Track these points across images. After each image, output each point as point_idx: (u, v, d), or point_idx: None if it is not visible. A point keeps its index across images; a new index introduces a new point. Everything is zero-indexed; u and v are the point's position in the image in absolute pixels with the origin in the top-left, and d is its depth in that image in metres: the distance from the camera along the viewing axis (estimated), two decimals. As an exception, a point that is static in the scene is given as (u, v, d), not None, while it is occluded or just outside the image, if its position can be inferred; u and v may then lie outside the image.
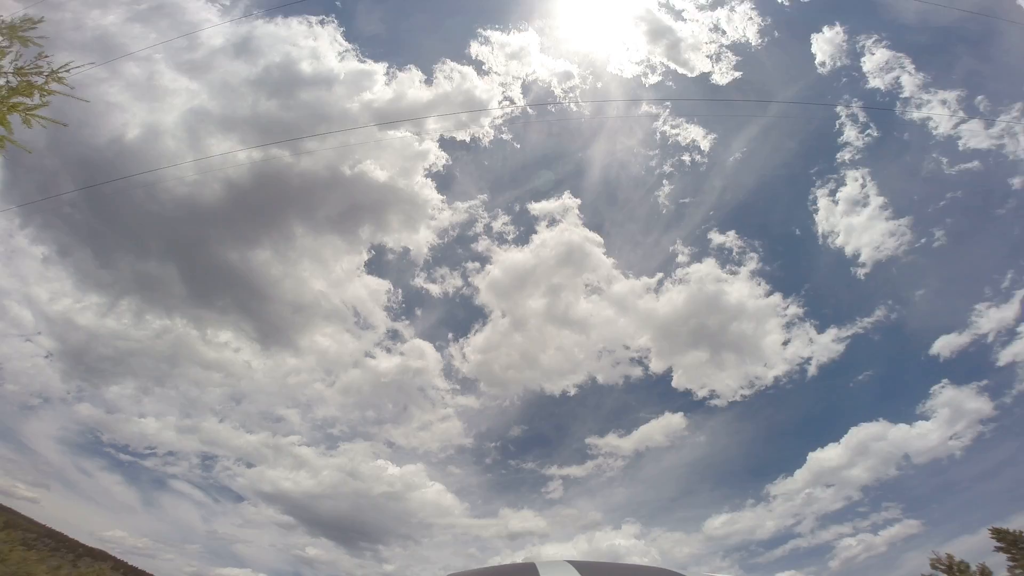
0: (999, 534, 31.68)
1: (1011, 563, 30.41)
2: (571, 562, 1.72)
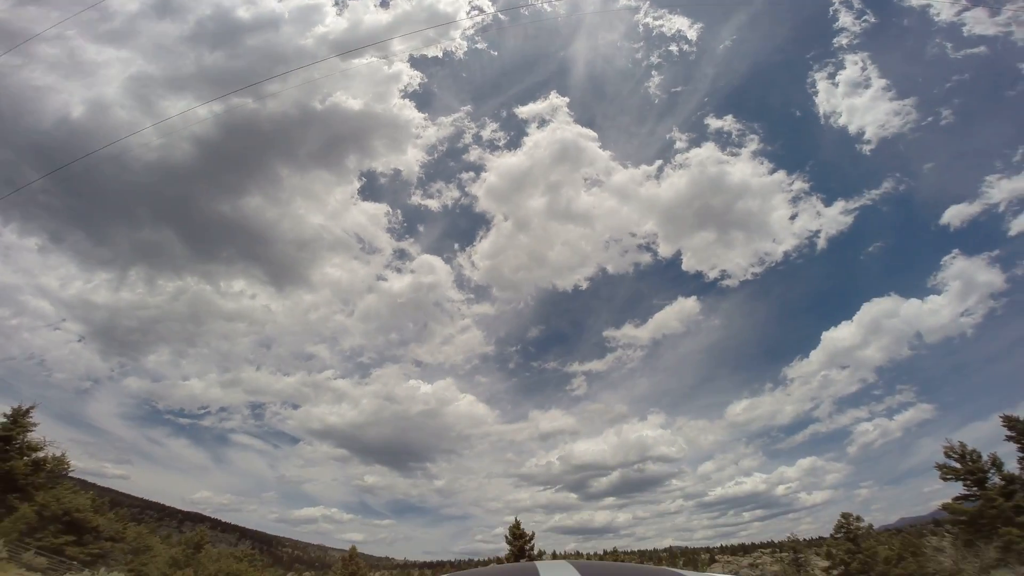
0: (1010, 422, 32.36)
1: (1021, 454, 31.63)
2: (571, 562, 1.58)
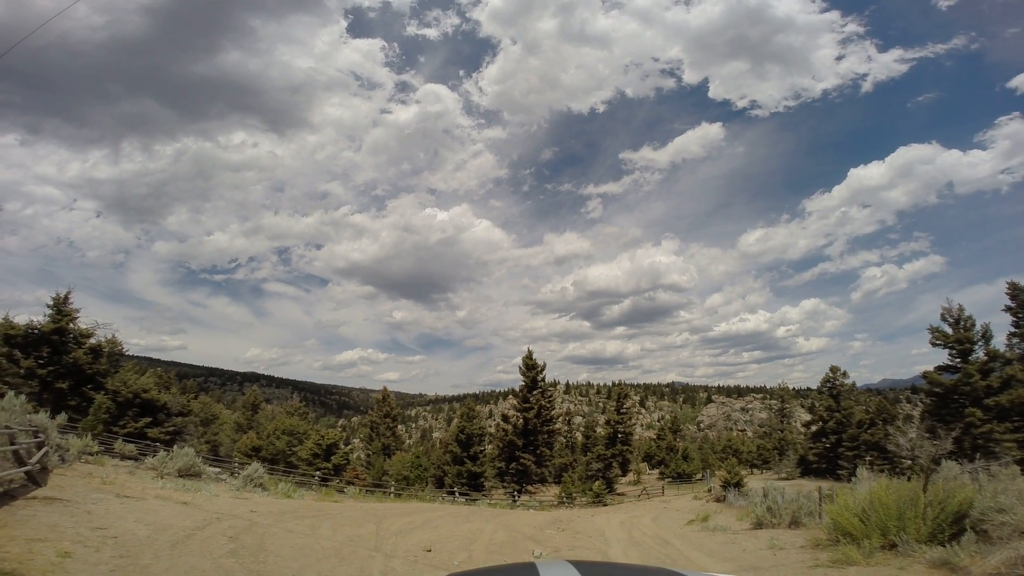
0: (1014, 290, 31.13)
1: (1013, 328, 31.70)
2: (571, 562, 1.64)
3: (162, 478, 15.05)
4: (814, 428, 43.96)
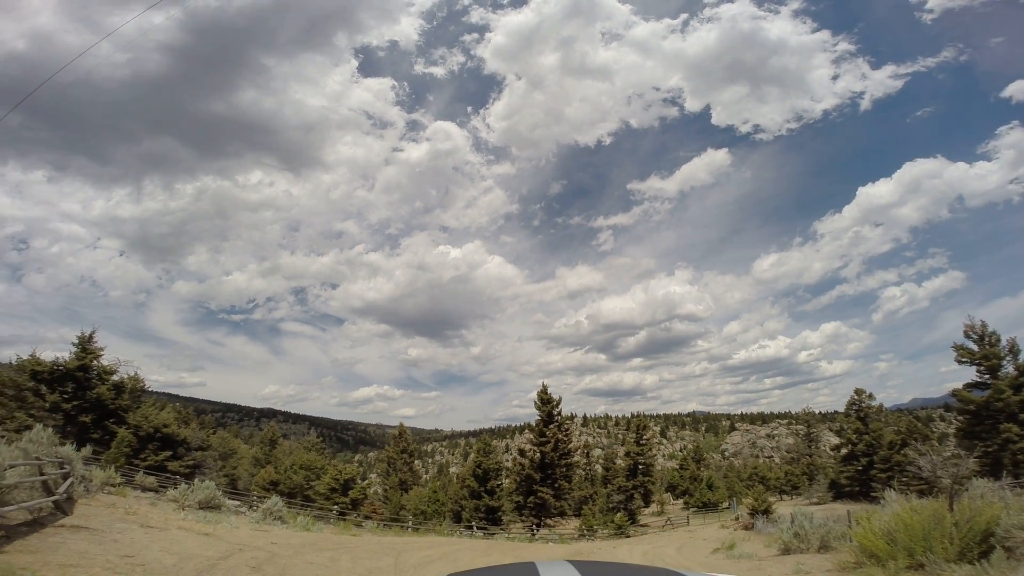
0: None
1: None
2: (571, 562, 1.66)
3: (183, 509, 15.17)
4: (843, 451, 42.47)
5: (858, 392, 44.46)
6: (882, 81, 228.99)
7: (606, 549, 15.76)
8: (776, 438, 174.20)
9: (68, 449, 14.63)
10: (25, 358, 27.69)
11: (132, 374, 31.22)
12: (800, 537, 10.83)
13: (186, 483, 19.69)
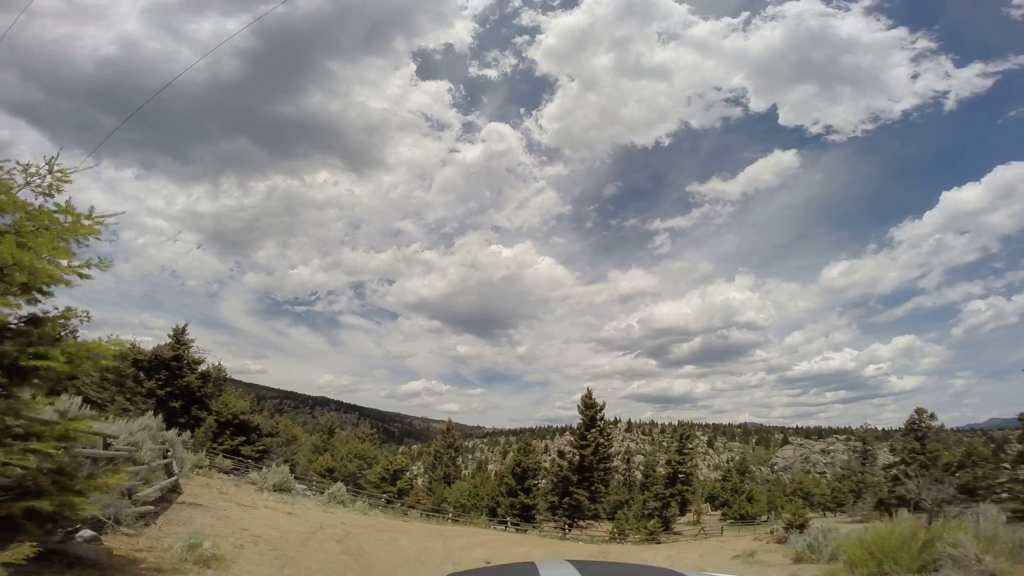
0: None
1: None
2: (571, 562, 1.58)
3: (262, 492, 17.68)
4: (895, 471, 40.93)
5: (919, 411, 42.68)
6: (968, 80, 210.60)
7: (633, 551, 16.91)
8: (831, 454, 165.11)
9: (172, 433, 17.43)
10: (127, 346, 31.91)
11: (217, 365, 35.22)
12: (813, 548, 11.63)
13: (257, 467, 22.39)
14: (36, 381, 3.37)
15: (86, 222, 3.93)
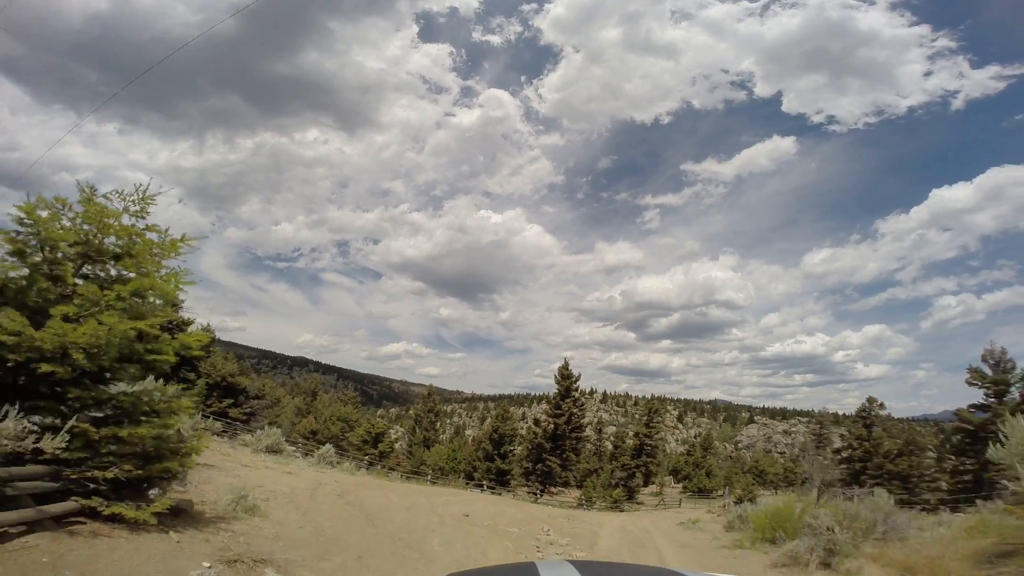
0: None
1: None
2: (571, 561, 1.51)
3: (257, 453, 19.14)
4: (843, 455, 44.47)
5: (870, 400, 46.00)
6: (982, 82, 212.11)
7: (594, 516, 19.03)
8: (793, 435, 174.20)
9: (173, 393, 18.61)
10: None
11: (206, 326, 35.91)
12: (742, 519, 13.72)
13: (245, 429, 23.70)
14: (152, 371, 4.65)
15: (181, 245, 5.14)
